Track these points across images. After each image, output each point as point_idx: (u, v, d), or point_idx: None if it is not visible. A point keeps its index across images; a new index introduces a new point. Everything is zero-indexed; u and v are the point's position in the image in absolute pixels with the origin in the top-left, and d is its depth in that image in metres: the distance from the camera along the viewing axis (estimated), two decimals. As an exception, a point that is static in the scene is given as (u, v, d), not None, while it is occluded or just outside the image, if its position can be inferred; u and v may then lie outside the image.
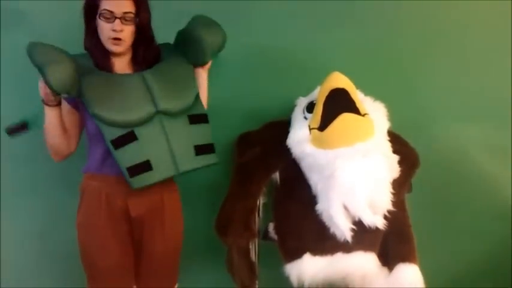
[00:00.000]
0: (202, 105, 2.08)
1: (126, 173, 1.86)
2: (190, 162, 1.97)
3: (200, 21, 2.12)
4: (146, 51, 2.02)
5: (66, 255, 2.42)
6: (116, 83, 1.93)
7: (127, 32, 1.91)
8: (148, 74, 1.97)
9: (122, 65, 2.01)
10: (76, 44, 1.99)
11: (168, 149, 1.93)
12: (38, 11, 2.33)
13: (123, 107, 1.88)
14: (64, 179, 2.43)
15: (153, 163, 1.89)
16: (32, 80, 1.92)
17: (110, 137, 1.86)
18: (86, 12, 1.93)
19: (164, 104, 1.93)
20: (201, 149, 2.00)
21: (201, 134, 2.02)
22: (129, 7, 1.89)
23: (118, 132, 1.86)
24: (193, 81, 2.07)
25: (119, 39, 1.91)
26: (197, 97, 2.05)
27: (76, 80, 1.83)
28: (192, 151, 1.98)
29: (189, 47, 2.08)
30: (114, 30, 1.88)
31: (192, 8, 2.28)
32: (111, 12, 1.87)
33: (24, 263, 2.59)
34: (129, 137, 1.88)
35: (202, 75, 2.17)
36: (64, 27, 2.31)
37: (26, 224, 2.54)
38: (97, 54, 1.96)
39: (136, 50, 2.01)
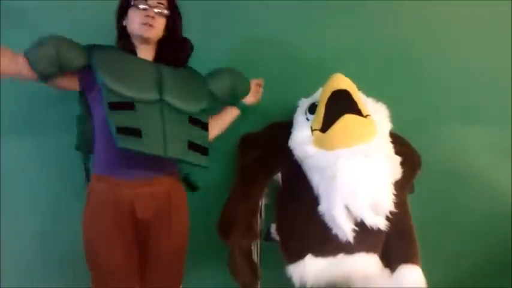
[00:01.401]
0: (207, 117, 2.09)
1: (114, 131, 1.84)
2: (180, 152, 1.95)
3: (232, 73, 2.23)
4: (171, 50, 2.06)
5: (66, 256, 2.43)
6: (131, 62, 1.98)
7: (158, 22, 1.99)
8: (165, 69, 2.01)
9: (145, 56, 2.04)
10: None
11: (162, 131, 1.92)
12: (39, 11, 2.32)
13: (129, 83, 1.90)
14: (65, 179, 2.42)
15: (144, 135, 1.88)
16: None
17: (109, 99, 1.87)
18: (119, 11, 2.01)
19: (170, 98, 1.96)
20: (195, 147, 1.99)
21: (198, 135, 2.02)
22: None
23: (118, 99, 1.88)
24: (204, 98, 2.09)
25: (151, 25, 1.96)
26: (203, 112, 2.07)
27: (60, 62, 1.86)
28: (186, 144, 1.97)
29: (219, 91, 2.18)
30: (147, 16, 1.95)
31: (194, 8, 2.29)
32: (145, 0, 1.95)
33: (24, 263, 2.58)
34: (127, 105, 1.89)
35: (230, 112, 2.30)
36: (65, 26, 2.30)
37: (26, 224, 2.53)
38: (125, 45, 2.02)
39: (161, 47, 2.05)
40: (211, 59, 2.23)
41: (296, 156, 2.10)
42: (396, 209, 2.01)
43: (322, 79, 2.09)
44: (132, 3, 1.97)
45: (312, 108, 2.11)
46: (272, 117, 2.35)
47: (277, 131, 2.26)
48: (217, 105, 2.24)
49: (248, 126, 2.39)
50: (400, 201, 2.06)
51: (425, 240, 2.18)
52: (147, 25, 1.95)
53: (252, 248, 2.20)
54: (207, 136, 2.06)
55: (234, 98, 2.26)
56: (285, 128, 2.19)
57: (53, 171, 2.45)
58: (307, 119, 2.12)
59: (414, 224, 2.18)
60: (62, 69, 1.89)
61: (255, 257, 2.24)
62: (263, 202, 2.26)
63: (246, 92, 2.28)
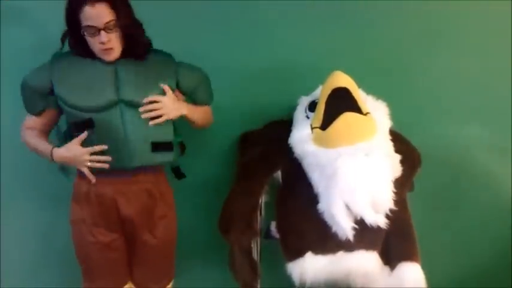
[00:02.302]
0: None
1: None
2: (144, 158, 1.97)
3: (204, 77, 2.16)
4: (136, 47, 1.99)
5: (66, 255, 2.41)
6: (86, 68, 1.95)
7: (114, 40, 1.90)
8: (122, 65, 1.96)
9: None
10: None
11: (124, 140, 1.94)
12: (39, 11, 2.32)
13: (85, 92, 1.91)
14: (64, 179, 2.41)
15: (107, 152, 1.92)
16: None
17: (71, 118, 1.94)
18: (69, 26, 1.92)
19: (127, 95, 1.94)
20: (158, 147, 2.00)
21: (161, 129, 2.00)
22: (109, 16, 1.85)
23: (78, 116, 1.91)
24: (169, 79, 2.03)
25: (110, 48, 1.90)
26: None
27: (42, 98, 1.98)
28: (149, 147, 1.97)
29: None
30: (102, 43, 1.87)
31: (193, 10, 2.29)
32: (94, 27, 1.84)
33: (24, 263, 2.58)
34: (87, 124, 1.91)
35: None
36: (65, 26, 2.31)
37: (26, 224, 2.53)
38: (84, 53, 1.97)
39: (127, 50, 1.98)
40: (211, 57, 2.22)
41: (296, 154, 2.10)
42: (396, 207, 2.01)
43: (322, 77, 2.08)
44: (82, 31, 1.87)
45: (312, 106, 2.11)
46: (272, 115, 2.35)
47: (277, 128, 2.27)
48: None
49: (248, 124, 2.39)
50: (400, 199, 2.06)
51: (425, 239, 2.18)
52: (105, 50, 1.90)
53: (252, 245, 2.20)
54: (171, 126, 2.04)
55: (191, 99, 2.16)
56: (285, 126, 2.19)
57: (53, 171, 2.45)
58: (307, 117, 2.11)
59: (414, 222, 2.18)
60: (46, 100, 1.98)
61: (255, 254, 2.24)
62: (263, 200, 2.25)
63: (205, 101, 2.19)
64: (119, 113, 1.94)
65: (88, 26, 1.84)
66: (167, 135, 2.03)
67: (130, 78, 1.96)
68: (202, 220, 2.33)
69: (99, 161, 1.91)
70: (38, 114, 2.01)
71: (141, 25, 2.00)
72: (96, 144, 1.91)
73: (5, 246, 2.53)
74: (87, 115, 1.91)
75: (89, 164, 1.91)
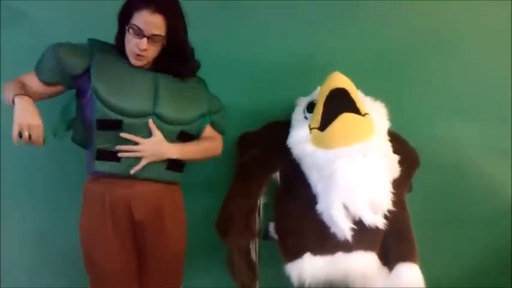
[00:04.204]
0: (198, 127, 2.08)
1: (94, 155, 1.91)
2: (155, 172, 1.98)
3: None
4: (170, 62, 1.98)
5: (66, 256, 2.43)
6: (128, 71, 1.93)
7: (151, 51, 1.90)
8: (162, 77, 1.97)
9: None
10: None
11: None
12: (39, 11, 2.33)
13: (124, 94, 1.89)
14: (64, 179, 2.42)
15: (123, 157, 1.92)
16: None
17: (99, 115, 1.88)
18: (120, 16, 1.92)
19: (163, 110, 1.94)
20: (173, 166, 2.01)
21: None
22: (160, 29, 1.85)
23: (107, 114, 1.88)
24: (201, 104, 2.06)
25: (143, 56, 1.89)
26: (198, 118, 2.05)
27: (61, 71, 1.89)
28: (165, 165, 1.99)
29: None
30: (138, 48, 1.86)
31: (193, 10, 2.29)
32: (141, 29, 1.83)
33: (24, 263, 2.58)
34: (115, 124, 1.89)
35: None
36: (64, 26, 2.32)
37: (26, 224, 2.53)
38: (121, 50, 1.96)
39: (161, 56, 1.97)
40: (212, 57, 2.22)
41: (294, 155, 2.10)
42: (394, 208, 2.02)
43: (320, 78, 2.09)
44: (128, 26, 1.86)
45: (310, 107, 2.11)
46: (270, 116, 2.35)
47: (275, 129, 2.26)
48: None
49: (246, 125, 2.39)
50: (398, 199, 2.07)
51: (424, 239, 2.18)
52: (137, 55, 1.89)
53: (251, 247, 2.19)
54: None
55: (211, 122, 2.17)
56: (284, 126, 2.19)
57: (53, 171, 2.46)
58: (306, 118, 2.12)
59: (413, 223, 2.18)
60: (64, 77, 1.92)
61: (254, 256, 2.22)
62: (261, 201, 2.25)
63: (221, 128, 2.20)
64: (147, 126, 1.93)
65: (137, 26, 1.83)
66: None
67: (168, 94, 1.97)
68: (200, 221, 2.32)
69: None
70: (46, 82, 1.92)
71: (191, 50, 2.01)
72: (116, 145, 1.90)
73: (5, 246, 2.53)
74: (117, 116, 1.89)
75: (26, 134, 1.74)
